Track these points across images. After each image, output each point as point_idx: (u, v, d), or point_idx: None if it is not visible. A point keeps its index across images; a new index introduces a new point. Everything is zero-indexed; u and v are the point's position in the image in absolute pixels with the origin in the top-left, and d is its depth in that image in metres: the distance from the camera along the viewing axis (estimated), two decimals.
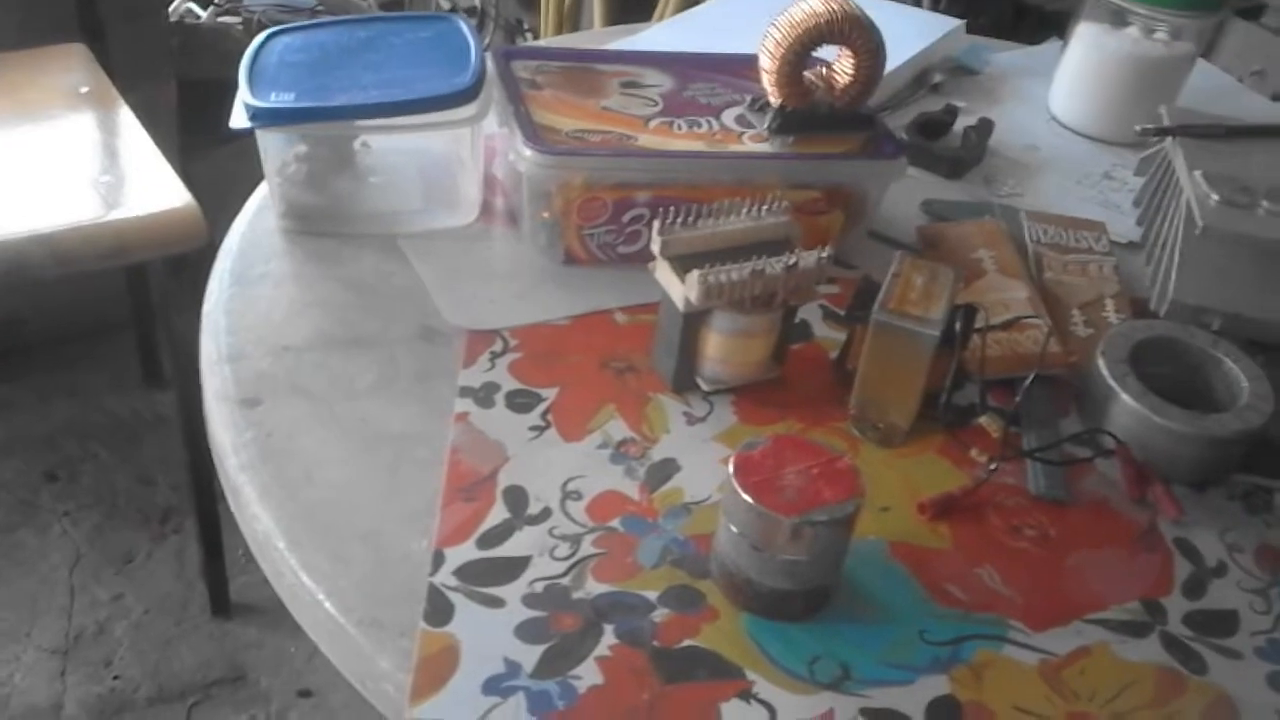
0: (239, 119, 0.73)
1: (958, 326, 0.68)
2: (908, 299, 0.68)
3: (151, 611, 1.54)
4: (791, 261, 0.67)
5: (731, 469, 0.57)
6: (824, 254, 0.68)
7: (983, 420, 0.70)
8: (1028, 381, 0.69)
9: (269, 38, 0.80)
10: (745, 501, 0.56)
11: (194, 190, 1.26)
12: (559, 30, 2.15)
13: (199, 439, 1.44)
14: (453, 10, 2.59)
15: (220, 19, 2.20)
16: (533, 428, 0.68)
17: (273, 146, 0.77)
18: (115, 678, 1.45)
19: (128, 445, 1.76)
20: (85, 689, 1.43)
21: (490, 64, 0.82)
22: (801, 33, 0.76)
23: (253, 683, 1.48)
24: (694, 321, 0.69)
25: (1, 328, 1.81)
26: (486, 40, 2.49)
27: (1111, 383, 0.70)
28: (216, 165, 1.86)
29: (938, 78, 1.07)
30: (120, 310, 1.79)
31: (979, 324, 0.70)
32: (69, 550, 1.60)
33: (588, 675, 0.55)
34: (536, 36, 2.30)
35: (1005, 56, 1.16)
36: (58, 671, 1.45)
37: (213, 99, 1.92)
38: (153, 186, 1.26)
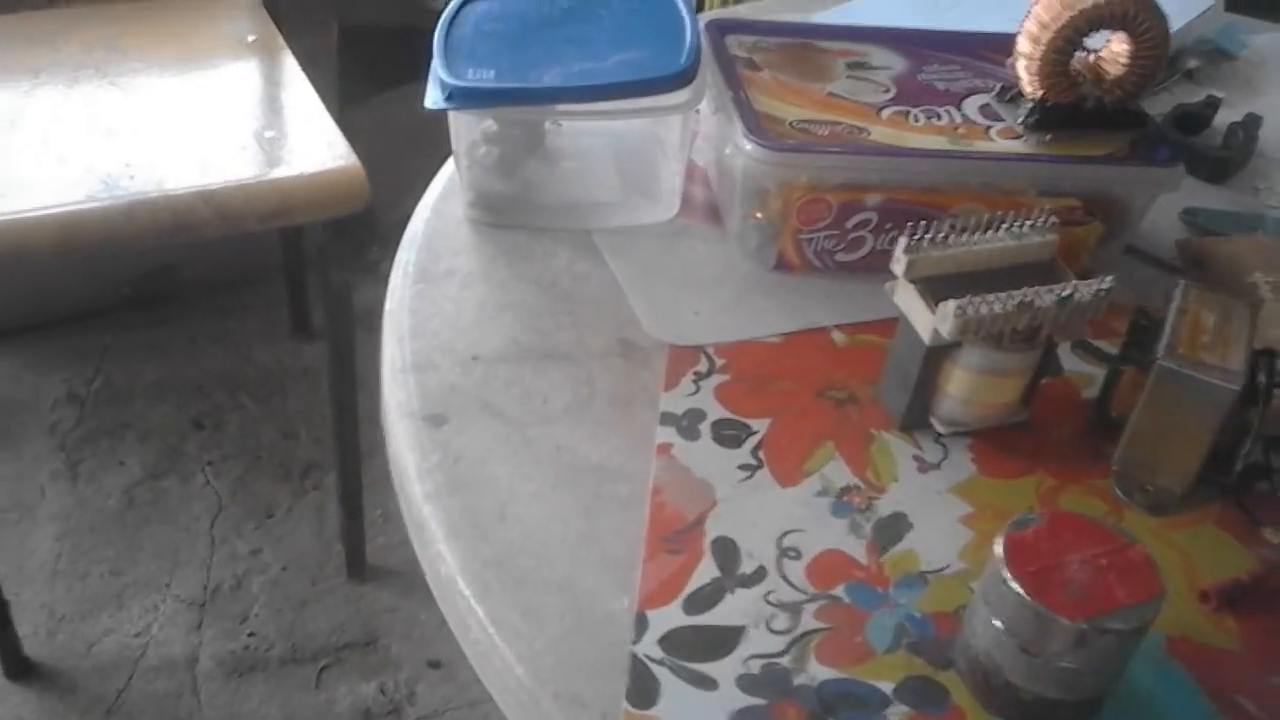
0: (434, 98, 0.65)
1: (1261, 378, 0.57)
2: (1198, 342, 0.58)
3: (289, 569, 1.52)
4: (1066, 293, 0.57)
5: (1000, 552, 0.48)
6: (1104, 285, 0.57)
7: None
8: None
9: (464, 4, 0.72)
10: (1019, 596, 0.47)
11: (352, 140, 1.20)
12: None
13: (346, 396, 1.42)
14: None
15: None
16: (743, 466, 0.60)
17: (465, 126, 0.69)
18: (250, 634, 1.44)
19: (273, 397, 1.75)
20: (220, 645, 1.42)
21: (704, 40, 0.72)
22: (1077, 15, 0.65)
23: (383, 649, 1.45)
24: (938, 355, 0.59)
25: (156, 273, 1.80)
26: None
27: None
28: (374, 115, 1.82)
29: (1192, 63, 0.94)
30: (272, 259, 1.77)
31: None
32: (211, 501, 1.59)
33: None
34: None
35: (1266, 38, 1.01)
36: (194, 624, 1.44)
37: (371, 46, 1.87)
38: (317, 145, 1.20)
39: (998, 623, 0.48)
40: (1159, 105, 0.87)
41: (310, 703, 1.37)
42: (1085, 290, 0.57)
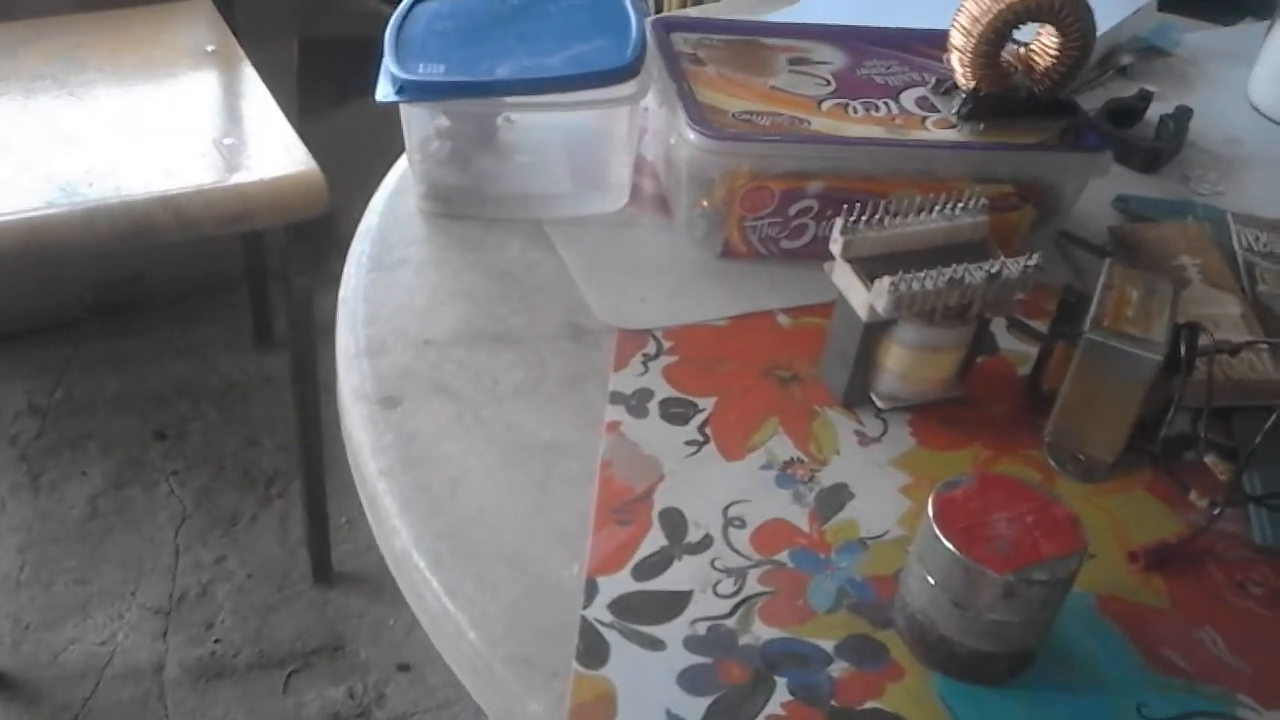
0: (384, 92, 0.67)
1: (1182, 348, 0.60)
2: (1124, 316, 0.60)
3: (254, 576, 1.53)
4: (994, 269, 0.59)
5: (931, 512, 0.50)
6: (1031, 262, 0.60)
7: (1207, 460, 0.62)
8: (1275, 417, 0.60)
9: (415, 3, 0.74)
10: (949, 552, 0.49)
11: (311, 150, 1.22)
12: None
13: (309, 402, 1.43)
14: None
15: None
16: (690, 441, 0.62)
17: (416, 122, 0.71)
18: (216, 641, 1.44)
19: (236, 406, 1.75)
20: (186, 651, 1.42)
21: (650, 36, 0.75)
22: (1005, 8, 0.68)
23: (351, 653, 1.45)
24: (875, 332, 0.62)
25: (119, 284, 1.80)
26: None
27: None
28: (333, 127, 1.83)
29: (1126, 59, 0.97)
30: (234, 268, 1.77)
31: (1204, 345, 0.61)
32: (175, 510, 1.59)
33: None
34: None
35: (1198, 37, 1.05)
36: (160, 632, 1.44)
37: (331, 59, 1.88)
38: (276, 151, 1.22)
39: (931, 579, 0.50)
40: (1094, 100, 0.90)
41: (278, 708, 1.38)
42: (1013, 267, 0.60)
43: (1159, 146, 0.86)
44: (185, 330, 1.84)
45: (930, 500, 0.50)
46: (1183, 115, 0.88)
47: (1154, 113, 0.89)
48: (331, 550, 1.53)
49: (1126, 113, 0.88)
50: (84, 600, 1.45)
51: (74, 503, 1.57)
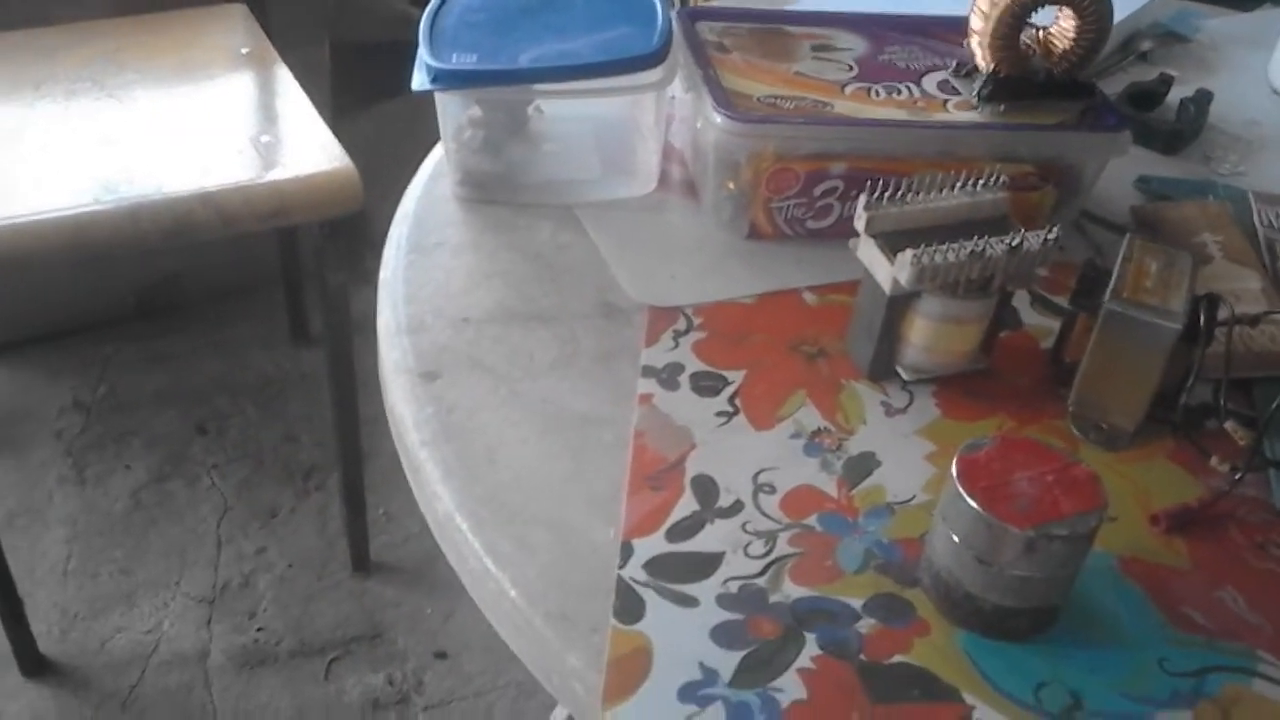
0: (420, 80, 0.70)
1: (1201, 319, 0.61)
2: (1142, 287, 0.62)
3: (295, 566, 1.56)
4: (1015, 242, 0.61)
5: (955, 472, 0.52)
6: (1051, 235, 0.61)
7: (1227, 426, 0.63)
8: None
9: None
10: (972, 509, 0.50)
11: (345, 150, 1.25)
12: None
13: (346, 399, 1.46)
14: None
15: None
16: (720, 413, 0.64)
17: (451, 110, 0.73)
18: (259, 629, 1.47)
19: (274, 401, 1.79)
20: (230, 639, 1.45)
21: (676, 25, 0.77)
22: None
23: (390, 641, 1.48)
24: (899, 305, 0.64)
25: (159, 285, 1.84)
26: None
27: None
28: (365, 128, 1.87)
29: (1146, 45, 0.98)
30: (271, 269, 1.81)
31: (1224, 316, 0.63)
32: (217, 502, 1.63)
33: (790, 689, 0.51)
34: None
35: (1218, 23, 1.06)
36: (204, 620, 1.47)
37: (364, 62, 1.92)
38: (311, 148, 1.25)
39: (955, 537, 0.52)
40: (1115, 84, 0.92)
41: (320, 694, 1.41)
42: (1033, 240, 0.61)
43: (1180, 129, 0.87)
44: (223, 329, 1.88)
45: (954, 461, 0.52)
46: (1203, 98, 0.90)
47: (1175, 96, 0.90)
48: (369, 542, 1.56)
49: (1147, 96, 0.89)
50: (129, 590, 1.49)
51: (118, 495, 1.61)
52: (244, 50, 1.43)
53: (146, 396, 1.77)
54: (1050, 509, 0.50)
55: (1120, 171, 0.82)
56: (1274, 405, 0.61)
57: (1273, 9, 1.03)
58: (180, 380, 1.80)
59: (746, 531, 0.58)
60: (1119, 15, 0.97)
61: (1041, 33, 0.74)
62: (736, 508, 0.59)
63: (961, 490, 0.51)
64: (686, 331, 0.69)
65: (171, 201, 1.16)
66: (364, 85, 1.91)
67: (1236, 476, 0.60)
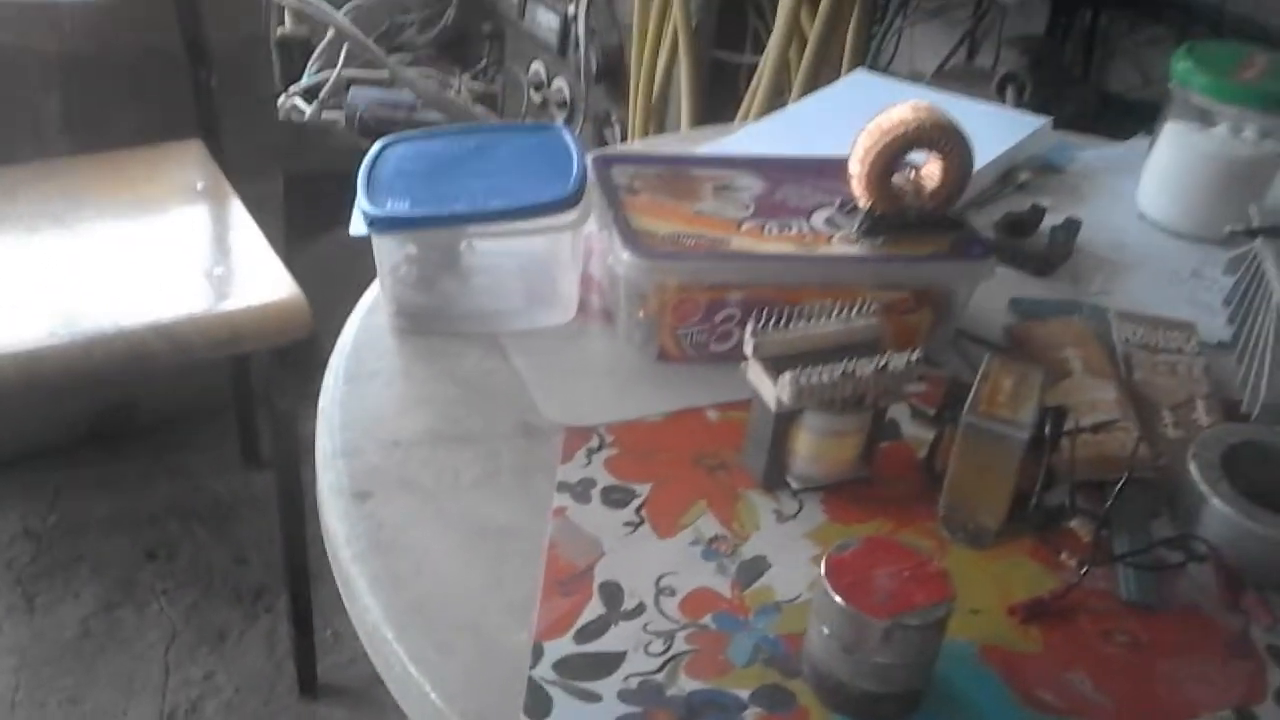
0: (357, 226, 0.77)
1: (1047, 429, 0.69)
2: (997, 401, 0.69)
3: (242, 690, 1.58)
4: (881, 364, 0.69)
5: (823, 570, 0.58)
6: (914, 356, 0.69)
7: (1073, 524, 0.70)
8: (1119, 485, 0.69)
9: (384, 147, 0.85)
10: (837, 603, 0.57)
11: (297, 278, 1.32)
12: (646, 124, 2.21)
13: (294, 520, 1.50)
14: (544, 104, 2.68)
15: (324, 115, 2.30)
16: (627, 523, 0.71)
17: (386, 251, 0.81)
18: None
19: (225, 525, 1.82)
20: None
21: (590, 170, 0.85)
22: (890, 140, 0.79)
23: None
24: (785, 421, 0.71)
25: (113, 411, 1.89)
26: (576, 132, 2.57)
27: (1204, 487, 0.70)
28: (318, 255, 1.94)
29: (1024, 176, 1.09)
30: (223, 394, 1.86)
31: (1068, 426, 0.71)
32: (166, 628, 1.65)
33: None
34: (624, 129, 2.37)
35: (1092, 153, 1.17)
36: None
37: (317, 191, 2.01)
38: (263, 279, 1.32)
39: (825, 629, 0.58)
40: (994, 213, 1.01)
41: None
42: (898, 360, 0.69)
43: (1049, 254, 0.97)
44: (175, 453, 1.92)
45: (823, 560, 0.59)
46: (1072, 225, 0.99)
47: (1047, 224, 1.00)
48: (317, 663, 1.58)
49: (1021, 224, 0.99)
50: None
51: (67, 624, 1.63)
52: (199, 185, 1.52)
53: (97, 523, 1.80)
54: (905, 601, 0.57)
55: (995, 293, 0.91)
56: (1107, 504, 0.68)
57: (1143, 139, 1.14)
58: (131, 506, 1.83)
59: (647, 631, 0.64)
60: (1000, 148, 1.08)
61: (914, 174, 0.83)
62: (639, 610, 0.65)
63: (828, 586, 0.58)
64: (599, 449, 0.76)
65: (125, 333, 1.23)
66: (317, 215, 1.99)
67: (1082, 570, 0.67)
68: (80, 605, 1.66)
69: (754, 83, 1.87)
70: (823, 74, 1.74)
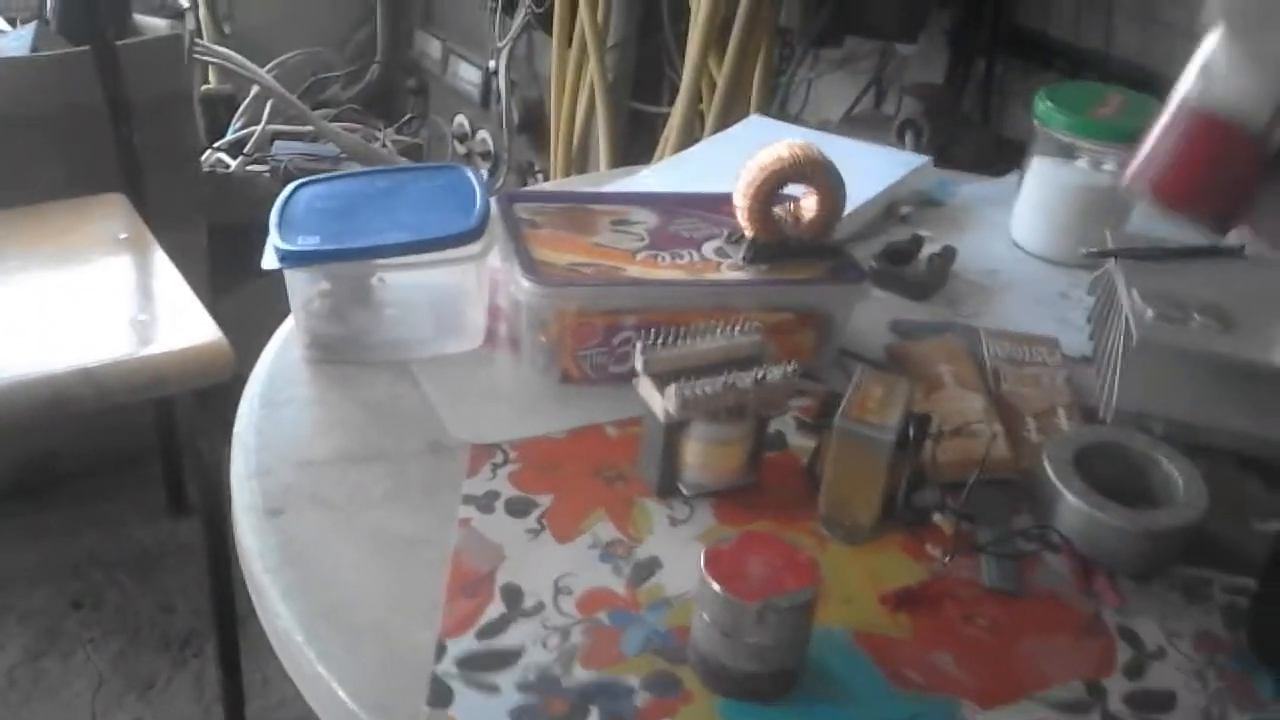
0: (269, 261, 0.82)
1: (910, 432, 0.75)
2: (866, 408, 0.76)
3: None
4: (760, 376, 0.75)
5: (702, 562, 0.64)
6: (790, 369, 0.75)
7: (936, 519, 0.76)
8: (970, 481, 0.76)
9: (297, 188, 0.90)
10: (714, 590, 0.62)
11: (223, 324, 1.35)
12: (567, 171, 2.28)
13: (222, 564, 1.52)
14: (469, 155, 2.74)
15: (249, 168, 2.34)
16: (529, 530, 0.75)
17: (298, 285, 0.85)
18: None
19: (151, 572, 1.83)
20: None
21: (495, 207, 0.91)
22: (769, 175, 0.85)
23: None
24: (674, 431, 0.76)
25: (37, 461, 1.89)
26: (500, 182, 2.63)
27: (1056, 483, 0.77)
28: (244, 300, 1.97)
29: (906, 209, 1.16)
30: (148, 442, 1.87)
31: (932, 430, 0.77)
32: (92, 677, 1.65)
33: None
34: (547, 177, 2.44)
35: (970, 188, 1.25)
36: None
37: (241, 241, 2.04)
38: (185, 323, 1.35)
39: (706, 616, 0.64)
40: (877, 244, 1.08)
41: None
42: (775, 373, 0.75)
43: (927, 279, 1.04)
44: (100, 502, 1.93)
45: (702, 554, 0.64)
46: (948, 253, 1.07)
47: (926, 252, 1.07)
48: (246, 706, 1.59)
49: (901, 252, 1.06)
50: None
51: None
52: (122, 235, 1.54)
53: (22, 573, 1.79)
54: (776, 586, 0.62)
55: (877, 315, 0.98)
56: (963, 498, 0.75)
57: (1016, 175, 1.22)
58: (56, 555, 1.83)
59: (545, 628, 0.68)
60: (883, 184, 1.15)
61: (792, 205, 0.90)
62: (538, 609, 0.70)
63: (707, 576, 0.63)
64: (504, 464, 0.81)
65: (49, 379, 1.25)
66: (241, 262, 2.02)
67: (946, 560, 0.73)
68: (6, 656, 1.65)
69: (666, 130, 1.95)
70: (731, 120, 1.82)
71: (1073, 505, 0.76)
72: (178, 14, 1.91)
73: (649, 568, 0.73)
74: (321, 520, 0.74)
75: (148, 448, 1.88)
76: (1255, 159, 0.25)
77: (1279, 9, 0.41)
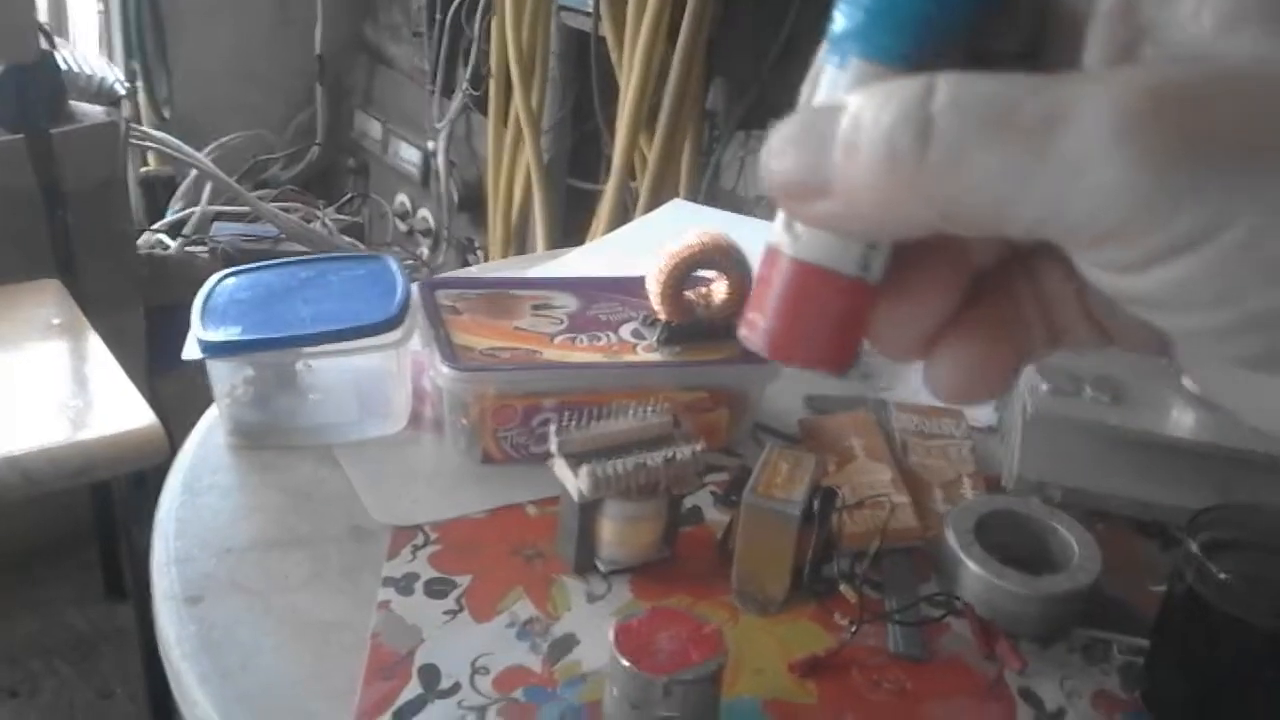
0: (191, 351, 0.84)
1: (816, 506, 0.78)
2: (774, 483, 0.78)
3: None
4: (670, 454, 0.77)
5: (611, 637, 0.66)
6: (699, 447, 0.78)
7: (841, 589, 0.79)
8: (871, 551, 0.79)
9: (220, 280, 0.92)
10: (623, 665, 0.64)
11: (160, 406, 1.36)
12: (506, 247, 2.32)
13: (156, 650, 1.50)
14: (410, 233, 2.78)
15: (188, 249, 2.35)
16: (447, 611, 0.77)
17: (221, 374, 0.87)
18: None
19: (88, 659, 1.80)
20: None
21: (417, 294, 0.94)
22: (679, 262, 0.89)
23: None
24: (589, 510, 0.79)
25: None
26: (440, 259, 2.66)
27: (958, 551, 0.80)
28: (183, 381, 1.97)
29: None
30: (85, 525, 1.86)
31: (838, 504, 0.80)
32: None
33: None
34: (487, 254, 2.47)
35: None
36: None
37: (180, 321, 2.05)
38: (118, 408, 1.36)
39: (615, 690, 0.65)
40: None
41: None
42: (685, 452, 0.78)
43: None
44: (36, 589, 1.90)
45: (611, 628, 0.66)
46: None
47: None
48: None
49: None
50: None
51: None
52: (55, 321, 1.55)
53: None
54: (683, 660, 0.64)
55: (792, 391, 1.01)
56: (864, 568, 0.77)
57: None
58: None
59: (462, 707, 0.70)
60: None
61: (705, 289, 0.94)
62: (455, 689, 0.71)
63: (615, 651, 0.65)
64: (424, 545, 0.82)
65: None
66: (180, 344, 2.03)
67: (853, 629, 0.76)
68: None
69: (599, 208, 1.99)
70: (662, 198, 1.87)
71: (974, 572, 0.79)
72: (114, 101, 1.94)
73: (566, 644, 0.75)
74: (240, 606, 0.75)
75: (85, 533, 1.87)
76: (865, 303, 0.28)
77: None
